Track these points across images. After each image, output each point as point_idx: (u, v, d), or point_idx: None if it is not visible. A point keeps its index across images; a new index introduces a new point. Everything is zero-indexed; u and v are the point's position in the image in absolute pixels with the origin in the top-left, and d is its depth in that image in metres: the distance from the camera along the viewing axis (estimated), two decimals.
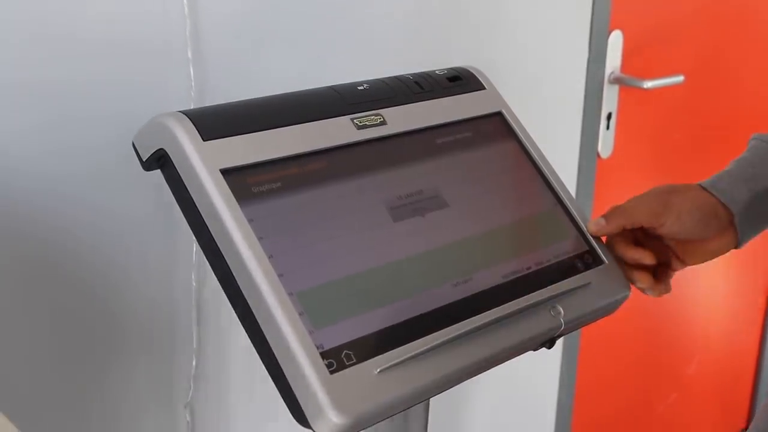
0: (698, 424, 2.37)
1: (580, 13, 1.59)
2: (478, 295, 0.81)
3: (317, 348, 0.70)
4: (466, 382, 0.78)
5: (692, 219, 0.90)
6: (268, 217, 0.75)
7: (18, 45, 0.93)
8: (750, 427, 0.98)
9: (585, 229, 0.92)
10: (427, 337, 0.75)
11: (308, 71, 1.17)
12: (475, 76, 0.96)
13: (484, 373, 0.80)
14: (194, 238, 0.78)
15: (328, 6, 1.18)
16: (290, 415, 0.72)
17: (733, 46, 1.99)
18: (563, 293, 0.85)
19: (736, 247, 0.94)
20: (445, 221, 0.84)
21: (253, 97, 0.83)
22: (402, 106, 0.88)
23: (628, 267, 0.92)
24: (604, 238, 0.93)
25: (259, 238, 0.73)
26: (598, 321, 0.90)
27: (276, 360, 0.71)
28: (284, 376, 0.71)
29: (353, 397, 0.69)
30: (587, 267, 0.90)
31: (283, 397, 0.72)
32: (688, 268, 0.95)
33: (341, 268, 0.76)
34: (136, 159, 0.80)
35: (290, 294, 0.71)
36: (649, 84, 1.71)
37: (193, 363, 1.15)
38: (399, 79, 0.90)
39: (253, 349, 0.73)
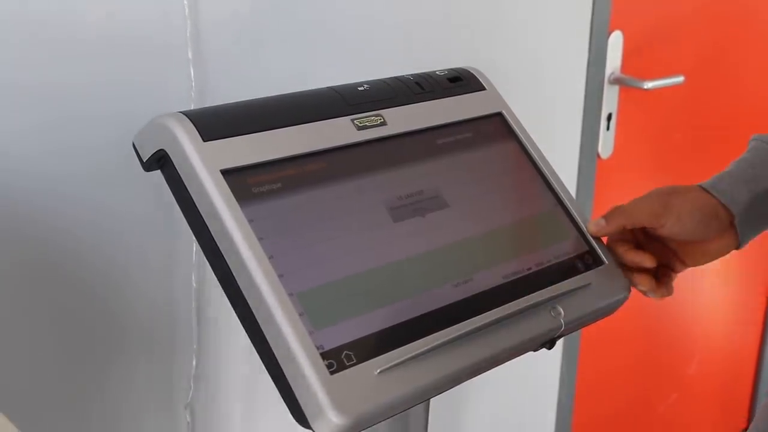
0: (698, 424, 2.37)
1: (580, 13, 1.59)
2: (479, 295, 0.81)
3: (317, 348, 0.70)
4: (466, 382, 0.78)
5: (693, 220, 0.90)
6: (269, 217, 0.75)
7: (18, 45, 0.93)
8: (750, 427, 0.98)
9: (585, 229, 0.92)
10: (428, 337, 0.75)
11: (308, 72, 1.17)
12: (475, 77, 0.96)
13: (485, 373, 0.80)
14: (194, 238, 0.78)
15: (328, 7, 1.18)
16: (290, 415, 0.72)
17: (734, 46, 1.99)
18: (563, 294, 0.85)
19: (737, 248, 0.94)
20: (446, 222, 0.84)
21: (253, 97, 0.83)
22: (402, 106, 0.88)
23: (629, 270, 0.92)
24: (604, 239, 0.93)
25: (260, 239, 0.73)
26: (598, 321, 0.90)
27: (276, 360, 0.71)
28: (284, 376, 0.71)
29: (353, 398, 0.69)
30: (587, 268, 0.90)
31: (283, 398, 0.72)
32: (689, 269, 0.95)
33: (341, 269, 0.76)
34: (136, 159, 0.80)
35: (290, 294, 0.71)
36: (649, 84, 1.71)
37: (193, 363, 1.15)
38: (399, 80, 0.90)
39: (253, 349, 0.73)
